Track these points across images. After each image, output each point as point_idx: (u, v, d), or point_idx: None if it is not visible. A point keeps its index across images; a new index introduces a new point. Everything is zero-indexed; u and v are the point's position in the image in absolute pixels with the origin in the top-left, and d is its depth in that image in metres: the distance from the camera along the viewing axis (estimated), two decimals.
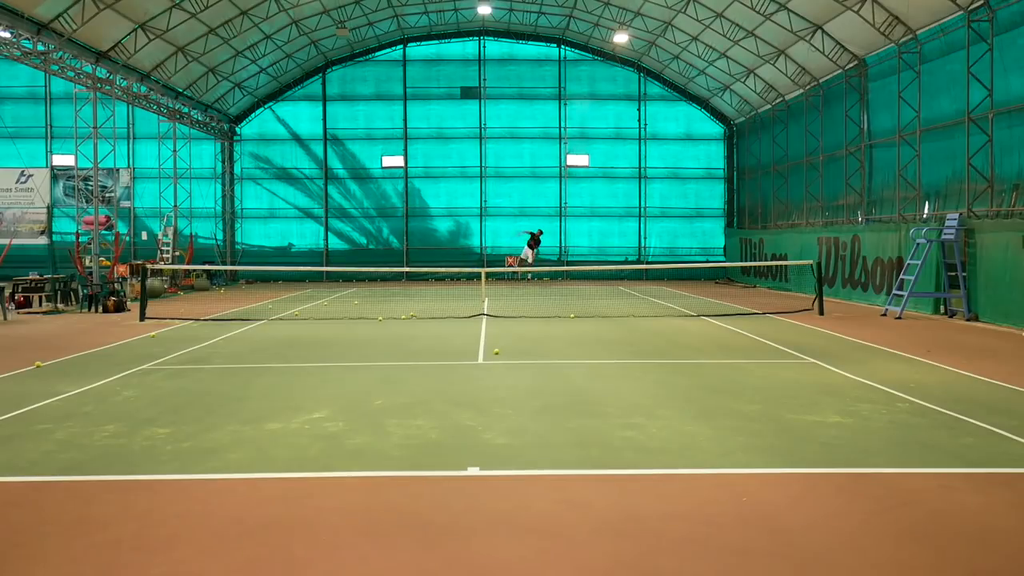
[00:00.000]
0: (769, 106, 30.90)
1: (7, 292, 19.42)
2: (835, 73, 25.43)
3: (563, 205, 36.48)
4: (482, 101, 36.35)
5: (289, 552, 4.75)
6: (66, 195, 32.77)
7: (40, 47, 21.59)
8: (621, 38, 31.11)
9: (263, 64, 32.46)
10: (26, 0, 19.81)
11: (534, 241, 30.31)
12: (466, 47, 36.54)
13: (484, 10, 31.78)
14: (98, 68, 23.98)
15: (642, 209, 36.51)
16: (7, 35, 20.48)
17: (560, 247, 36.36)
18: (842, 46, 23.77)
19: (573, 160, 36.39)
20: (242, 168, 36.42)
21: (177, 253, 29.82)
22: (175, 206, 31.06)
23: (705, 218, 36.67)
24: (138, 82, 26.53)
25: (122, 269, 24.73)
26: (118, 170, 31.35)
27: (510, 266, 33.43)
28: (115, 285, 22.39)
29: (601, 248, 36.56)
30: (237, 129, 36.26)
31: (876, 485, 5.93)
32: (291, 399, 9.07)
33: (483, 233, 36.41)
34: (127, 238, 30.44)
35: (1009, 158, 17.19)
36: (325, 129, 36.37)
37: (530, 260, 30.36)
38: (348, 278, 35.64)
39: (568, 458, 6.65)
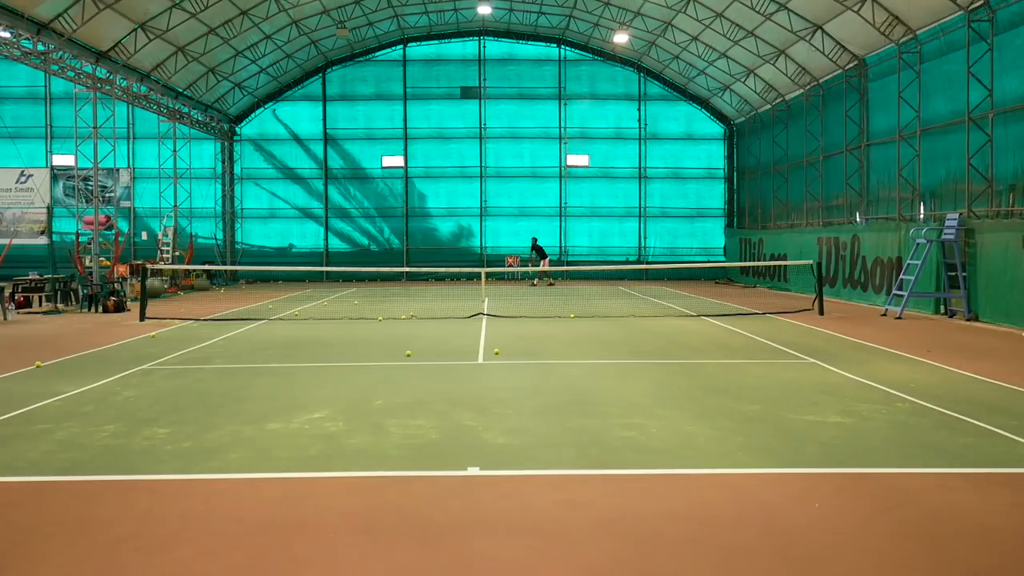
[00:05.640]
0: (769, 106, 30.90)
1: (7, 292, 19.42)
2: (835, 73, 25.43)
3: (563, 205, 36.48)
4: (482, 101, 36.34)
5: (289, 552, 4.76)
6: (66, 195, 32.76)
7: (40, 47, 21.58)
8: (621, 38, 31.10)
9: (263, 64, 32.46)
10: (26, 0, 19.81)
11: (540, 253, 32.00)
12: (466, 47, 36.54)
13: (484, 10, 31.78)
14: (98, 68, 23.97)
15: (642, 209, 36.50)
16: (7, 35, 20.47)
17: (560, 247, 36.36)
18: (842, 46, 23.77)
19: (573, 160, 36.38)
20: (242, 168, 36.42)
21: (177, 253, 29.82)
22: (175, 206, 31.07)
23: (705, 218, 36.67)
24: (138, 82, 26.53)
25: (122, 269, 24.73)
26: (118, 170, 31.33)
27: (510, 266, 33.44)
28: (115, 285, 22.40)
29: (601, 248, 36.55)
30: (237, 129, 36.26)
31: (876, 485, 5.93)
32: (291, 399, 9.07)
33: (483, 233, 36.42)
34: (130, 237, 30.44)
35: (1009, 158, 17.19)
36: (325, 129, 36.37)
37: (544, 266, 31.66)
38: (348, 278, 35.65)
39: (568, 458, 6.65)
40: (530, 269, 31.80)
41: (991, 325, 16.16)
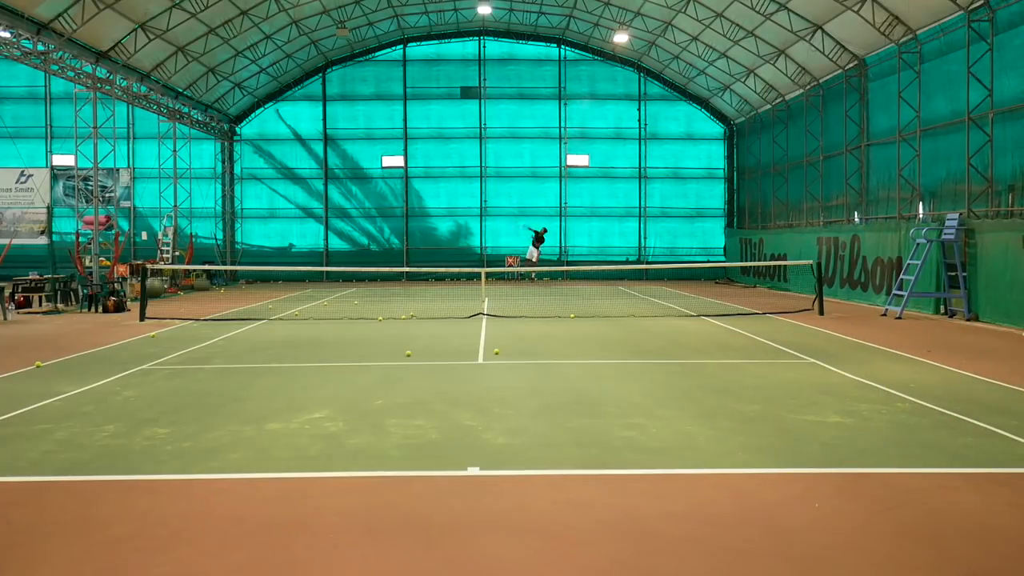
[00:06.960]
0: (769, 106, 30.90)
1: (7, 292, 19.42)
2: (835, 73, 25.43)
3: (563, 205, 36.48)
4: (482, 101, 36.35)
5: (289, 552, 4.76)
6: (66, 195, 32.76)
7: (40, 47, 21.58)
8: (621, 38, 31.10)
9: (263, 64, 32.46)
10: (26, 0, 19.81)
11: (538, 239, 31.26)
12: (466, 47, 36.55)
13: (484, 10, 31.78)
14: (98, 68, 23.97)
15: (642, 209, 36.51)
16: (7, 35, 20.47)
17: (560, 247, 36.36)
18: (842, 46, 23.77)
19: (573, 160, 36.38)
20: (242, 168, 36.43)
21: (177, 253, 29.82)
22: (175, 206, 31.07)
23: (705, 218, 36.67)
24: (138, 82, 26.53)
25: (122, 269, 24.73)
26: (118, 170, 31.34)
27: (510, 266, 33.57)
28: (115, 285, 22.40)
29: (601, 248, 36.56)
30: (237, 129, 36.26)
31: (876, 485, 5.93)
32: (291, 399, 9.07)
33: (483, 233, 36.42)
34: (130, 237, 30.44)
35: (1008, 158, 17.19)
36: (325, 129, 36.37)
37: (535, 259, 31.27)
38: (348, 278, 35.65)
39: (568, 458, 6.65)
40: (527, 269, 31.85)
41: (991, 325, 16.15)
